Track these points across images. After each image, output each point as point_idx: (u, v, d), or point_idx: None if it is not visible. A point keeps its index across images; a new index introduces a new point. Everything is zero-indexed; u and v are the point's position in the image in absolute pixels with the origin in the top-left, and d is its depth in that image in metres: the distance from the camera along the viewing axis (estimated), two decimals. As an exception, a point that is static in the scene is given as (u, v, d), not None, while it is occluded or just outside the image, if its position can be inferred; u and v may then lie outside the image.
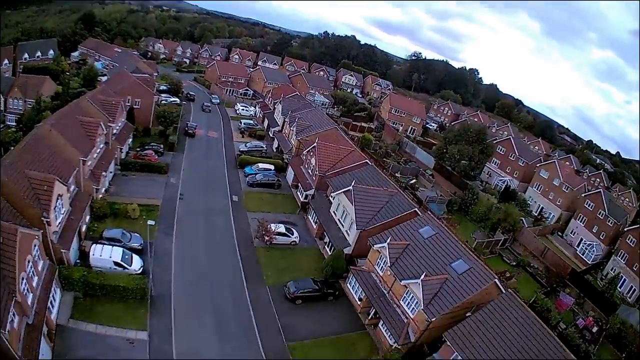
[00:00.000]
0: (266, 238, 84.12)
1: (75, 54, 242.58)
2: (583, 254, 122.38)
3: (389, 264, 67.58)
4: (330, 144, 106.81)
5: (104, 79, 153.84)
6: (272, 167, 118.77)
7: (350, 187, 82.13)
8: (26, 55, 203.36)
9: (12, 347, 42.44)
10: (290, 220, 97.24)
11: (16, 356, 43.06)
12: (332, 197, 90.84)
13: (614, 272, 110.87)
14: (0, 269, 44.01)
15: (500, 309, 57.54)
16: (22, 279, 46.53)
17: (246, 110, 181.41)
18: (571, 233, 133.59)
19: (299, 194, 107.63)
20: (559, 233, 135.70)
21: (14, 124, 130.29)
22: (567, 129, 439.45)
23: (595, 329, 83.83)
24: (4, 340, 41.34)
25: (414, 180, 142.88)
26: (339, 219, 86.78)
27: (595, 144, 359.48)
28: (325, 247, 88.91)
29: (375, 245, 72.33)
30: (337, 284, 78.31)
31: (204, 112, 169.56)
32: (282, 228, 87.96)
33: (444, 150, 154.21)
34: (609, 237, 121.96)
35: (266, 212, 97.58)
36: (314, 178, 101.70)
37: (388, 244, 68.68)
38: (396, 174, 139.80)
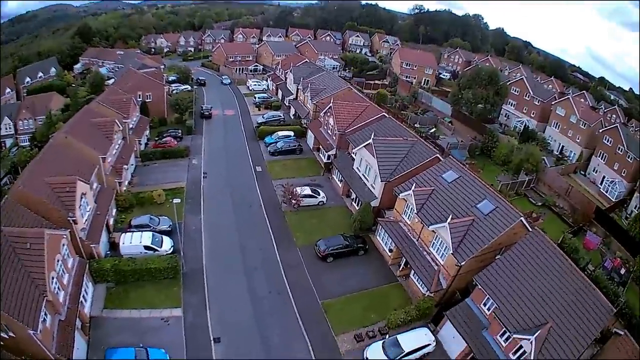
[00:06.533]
0: (293, 202, 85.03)
1: (78, 65, 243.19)
2: (607, 192, 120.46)
3: (415, 211, 67.87)
4: (346, 102, 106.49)
5: (110, 82, 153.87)
6: (291, 133, 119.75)
7: (371, 141, 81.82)
8: (28, 79, 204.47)
9: (45, 346, 43.74)
10: (316, 182, 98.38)
11: (50, 354, 44.27)
12: (354, 153, 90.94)
13: (637, 209, 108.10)
14: (30, 273, 45.44)
15: (528, 247, 56.73)
16: (52, 278, 48.01)
17: (258, 85, 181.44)
18: (593, 171, 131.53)
19: (321, 155, 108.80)
20: (582, 172, 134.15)
21: (28, 143, 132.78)
22: (578, 67, 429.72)
23: (623, 271, 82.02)
24: (36, 340, 42.64)
25: (434, 129, 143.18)
26: (363, 174, 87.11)
27: (607, 80, 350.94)
28: (353, 203, 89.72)
29: (401, 194, 72.62)
30: (367, 237, 79.19)
31: (218, 91, 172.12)
32: (307, 190, 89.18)
33: (459, 96, 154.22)
34: (630, 173, 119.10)
35: (291, 177, 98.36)
36: (334, 138, 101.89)
37: (413, 190, 68.91)
38: (415, 125, 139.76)
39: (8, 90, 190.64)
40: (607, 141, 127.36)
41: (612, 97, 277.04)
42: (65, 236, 54.01)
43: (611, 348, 54.10)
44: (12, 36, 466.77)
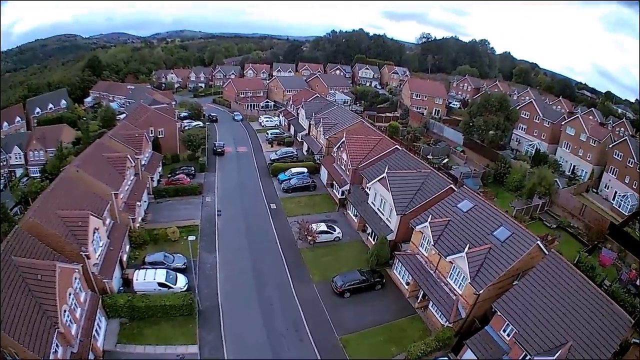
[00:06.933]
0: (309, 238, 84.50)
1: (88, 99, 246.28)
2: (619, 207, 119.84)
3: (432, 243, 67.74)
4: (358, 137, 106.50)
5: (121, 117, 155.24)
6: (305, 169, 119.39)
7: (384, 175, 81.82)
8: (38, 110, 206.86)
9: None
10: (331, 218, 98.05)
11: None
12: (367, 188, 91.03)
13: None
14: (41, 304, 45.74)
15: (546, 270, 56.74)
16: (64, 311, 47.99)
17: (270, 121, 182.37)
18: (605, 187, 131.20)
19: (335, 192, 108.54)
20: (594, 189, 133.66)
21: (39, 174, 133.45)
22: (584, 84, 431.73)
23: (639, 282, 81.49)
24: None
25: (447, 159, 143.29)
26: (378, 209, 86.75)
27: (614, 94, 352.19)
28: (369, 237, 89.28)
29: (417, 227, 72.46)
30: (384, 271, 78.86)
31: (230, 128, 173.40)
32: (323, 226, 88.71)
33: (470, 124, 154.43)
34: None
35: (306, 214, 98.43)
36: (347, 173, 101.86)
37: (429, 222, 68.73)
38: (428, 156, 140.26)
39: (18, 119, 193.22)
40: (617, 156, 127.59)
41: (620, 110, 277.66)
42: (77, 270, 54.09)
43: (630, 358, 54.56)
44: (21, 64, 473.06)
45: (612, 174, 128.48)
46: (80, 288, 55.25)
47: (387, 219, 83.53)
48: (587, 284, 53.73)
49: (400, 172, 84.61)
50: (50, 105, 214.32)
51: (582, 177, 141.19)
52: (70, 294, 50.99)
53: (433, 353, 61.11)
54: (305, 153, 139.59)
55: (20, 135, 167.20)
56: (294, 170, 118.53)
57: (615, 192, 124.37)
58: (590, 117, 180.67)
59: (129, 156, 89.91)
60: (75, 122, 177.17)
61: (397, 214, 79.04)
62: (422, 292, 70.08)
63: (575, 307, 51.54)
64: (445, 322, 63.36)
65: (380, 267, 79.53)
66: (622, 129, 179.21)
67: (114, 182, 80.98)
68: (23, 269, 47.47)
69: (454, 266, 64.11)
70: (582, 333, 48.76)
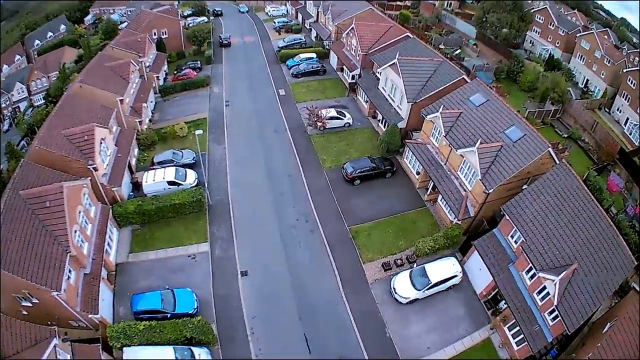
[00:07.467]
0: (319, 124, 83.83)
1: (89, 17, 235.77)
2: (630, 134, 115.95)
3: (443, 134, 66.35)
4: (368, 23, 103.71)
5: (123, 26, 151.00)
6: (313, 55, 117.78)
7: (396, 60, 79.58)
8: (37, 42, 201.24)
9: (69, 305, 43.66)
10: (341, 103, 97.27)
11: (74, 313, 44.41)
12: (378, 73, 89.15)
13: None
14: (51, 231, 45.39)
15: (555, 180, 55.20)
16: (75, 231, 47.73)
17: (277, 10, 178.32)
18: (617, 110, 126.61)
19: (345, 76, 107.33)
20: (606, 109, 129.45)
21: (43, 101, 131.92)
22: (600, 4, 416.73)
23: (643, 220, 79.29)
24: (60, 301, 42.55)
25: (459, 51, 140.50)
26: (389, 95, 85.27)
27: (629, 22, 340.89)
28: (379, 124, 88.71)
29: (428, 116, 71.01)
30: (394, 159, 78.69)
31: (236, 20, 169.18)
32: (333, 112, 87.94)
33: (484, 19, 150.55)
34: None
35: (315, 99, 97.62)
36: (357, 58, 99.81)
37: (441, 112, 67.18)
38: (440, 46, 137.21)
39: (17, 57, 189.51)
40: (631, 83, 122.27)
41: (635, 39, 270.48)
42: (85, 185, 53.95)
43: (628, 303, 49.19)
44: (17, 8, 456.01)
45: (625, 100, 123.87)
46: (90, 203, 55.24)
47: (397, 106, 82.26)
48: (595, 206, 51.79)
49: (412, 59, 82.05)
50: (50, 34, 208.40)
51: (595, 94, 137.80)
52: (80, 212, 50.78)
53: (441, 250, 61.53)
54: (313, 39, 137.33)
55: (20, 71, 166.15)
56: (302, 55, 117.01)
57: (627, 119, 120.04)
58: (606, 37, 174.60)
59: (131, 61, 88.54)
60: (76, 42, 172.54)
61: (408, 102, 77.52)
62: (431, 184, 69.83)
63: (582, 227, 49.93)
64: (454, 218, 63.13)
65: (390, 154, 79.37)
66: (637, 58, 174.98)
67: (119, 88, 79.91)
68: (31, 201, 46.88)
69: (465, 160, 63.13)
70: (587, 259, 47.38)
